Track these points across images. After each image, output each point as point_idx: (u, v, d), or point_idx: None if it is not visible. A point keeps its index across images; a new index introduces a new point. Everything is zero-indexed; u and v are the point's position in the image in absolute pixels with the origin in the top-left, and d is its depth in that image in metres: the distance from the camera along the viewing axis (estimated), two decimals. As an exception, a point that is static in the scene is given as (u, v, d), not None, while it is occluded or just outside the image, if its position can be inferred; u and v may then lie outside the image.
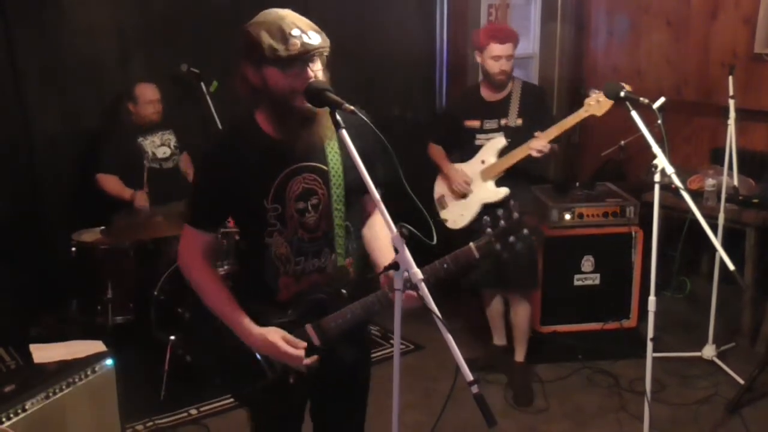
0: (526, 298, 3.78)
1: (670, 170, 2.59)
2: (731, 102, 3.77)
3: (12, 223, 3.92)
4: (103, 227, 3.80)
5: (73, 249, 3.73)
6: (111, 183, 4.06)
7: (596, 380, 3.82)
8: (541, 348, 4.00)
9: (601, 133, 3.55)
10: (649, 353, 2.76)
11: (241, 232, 2.10)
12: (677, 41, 5.05)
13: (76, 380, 2.59)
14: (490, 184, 3.64)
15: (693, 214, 2.57)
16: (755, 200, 4.05)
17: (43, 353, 2.69)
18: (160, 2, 4.39)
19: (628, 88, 2.86)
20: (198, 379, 3.52)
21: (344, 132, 1.72)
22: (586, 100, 3.31)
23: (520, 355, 3.82)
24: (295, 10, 1.88)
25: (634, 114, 2.70)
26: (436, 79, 5.61)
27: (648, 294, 2.77)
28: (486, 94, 3.72)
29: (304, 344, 1.96)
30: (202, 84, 4.32)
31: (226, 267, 3.62)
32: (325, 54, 1.86)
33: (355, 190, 1.99)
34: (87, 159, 4.16)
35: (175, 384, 3.55)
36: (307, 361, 1.95)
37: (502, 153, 3.61)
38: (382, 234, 2.07)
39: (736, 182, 4.02)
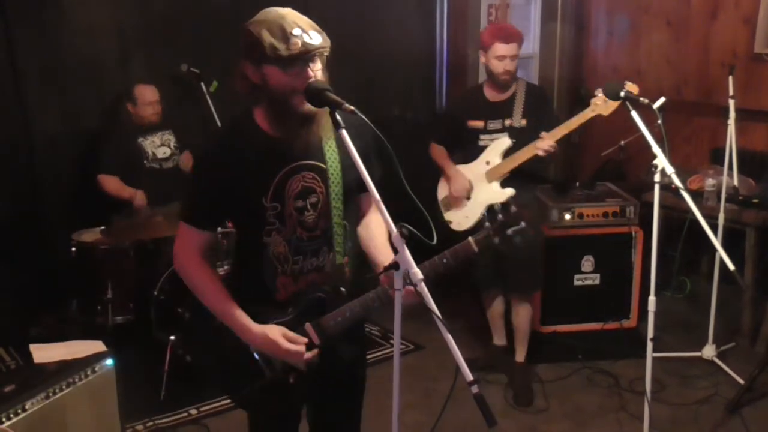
0: (528, 299, 3.77)
1: (670, 170, 2.59)
2: (731, 102, 3.77)
3: (12, 223, 3.92)
4: (103, 227, 3.80)
5: (73, 249, 3.73)
6: (111, 183, 4.06)
7: (596, 380, 3.82)
8: (541, 348, 4.00)
9: (601, 133, 3.56)
10: (649, 353, 2.76)
11: (239, 231, 2.09)
12: (677, 41, 5.05)
13: (76, 380, 2.58)
14: (495, 185, 3.60)
15: (693, 214, 2.57)
16: (755, 200, 4.05)
17: (43, 353, 2.69)
18: (160, 2, 4.39)
19: (633, 88, 2.86)
20: (198, 379, 3.52)
21: (344, 132, 1.72)
22: (593, 100, 3.27)
23: (520, 356, 3.82)
24: (295, 9, 1.88)
25: (634, 114, 2.70)
26: (436, 79, 5.61)
27: (648, 294, 2.78)
28: (490, 94, 3.69)
29: (305, 340, 1.96)
30: (202, 84, 4.32)
31: (226, 267, 3.63)
32: (326, 54, 1.86)
33: (352, 189, 2.01)
34: (87, 159, 4.17)
35: (175, 384, 3.55)
36: (308, 355, 1.95)
37: (507, 154, 3.57)
38: (378, 233, 2.08)
39: (736, 182, 4.02)
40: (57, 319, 3.96)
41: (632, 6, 5.34)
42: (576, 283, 4.21)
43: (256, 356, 1.99)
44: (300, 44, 1.78)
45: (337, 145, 1.97)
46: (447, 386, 1.73)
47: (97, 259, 3.71)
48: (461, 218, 3.69)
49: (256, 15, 1.85)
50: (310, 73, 1.81)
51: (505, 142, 3.59)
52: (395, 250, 1.66)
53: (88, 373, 2.64)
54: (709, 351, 3.90)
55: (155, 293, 3.62)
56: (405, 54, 5.19)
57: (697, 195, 4.11)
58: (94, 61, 4.20)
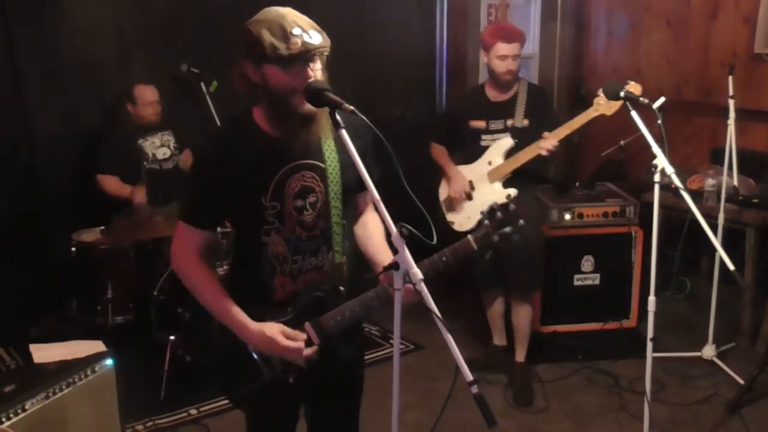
0: (528, 300, 3.77)
1: (670, 170, 2.59)
2: (731, 102, 3.77)
3: (12, 223, 3.92)
4: (103, 227, 3.80)
5: (73, 249, 3.73)
6: (111, 183, 4.07)
7: (596, 380, 3.82)
8: (541, 348, 4.00)
9: (601, 133, 3.55)
10: (649, 353, 2.76)
11: (238, 231, 2.08)
12: (677, 41, 5.05)
13: (76, 380, 2.58)
14: (498, 186, 3.59)
15: (693, 214, 2.57)
16: (755, 200, 4.05)
17: (43, 353, 2.69)
18: (160, 2, 4.39)
19: (636, 87, 2.86)
20: (198, 379, 3.52)
21: (344, 132, 1.72)
22: (596, 99, 3.26)
23: (520, 356, 3.82)
24: (295, 9, 1.88)
25: (634, 114, 2.70)
26: (436, 79, 5.61)
27: (648, 294, 2.78)
28: (492, 94, 3.67)
29: (304, 336, 1.96)
30: (202, 84, 4.32)
31: (225, 267, 3.63)
32: (326, 54, 1.86)
33: (351, 189, 2.02)
34: (87, 159, 4.17)
35: (175, 384, 3.55)
36: (307, 351, 1.94)
37: (509, 154, 3.56)
38: (375, 232, 2.10)
39: (736, 182, 4.02)
40: (57, 319, 3.96)
41: (632, 6, 5.34)
42: (576, 283, 4.21)
43: (255, 356, 1.99)
44: (300, 44, 1.78)
45: (336, 144, 1.97)
46: (447, 386, 1.73)
47: (97, 259, 3.71)
48: (463, 219, 3.68)
49: (257, 14, 1.85)
50: (310, 72, 1.81)
51: (507, 142, 3.58)
52: (395, 250, 1.66)
53: (88, 373, 2.64)
54: (709, 351, 3.90)
55: (155, 293, 3.62)
56: (405, 54, 5.19)
57: (697, 195, 4.11)
58: (94, 61, 4.20)
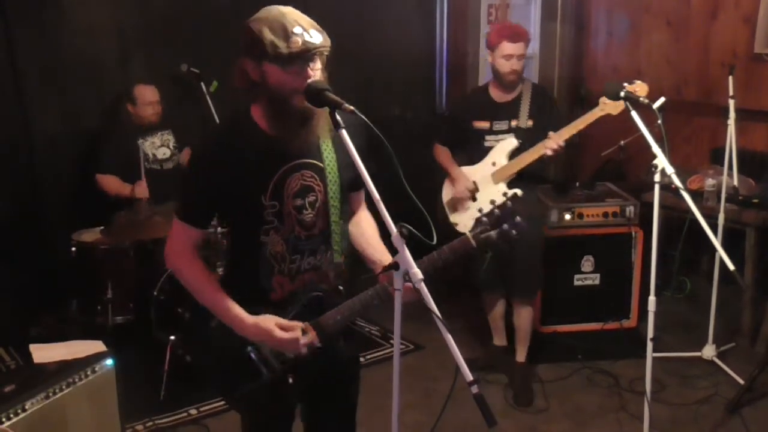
0: (530, 302, 3.77)
1: (670, 170, 2.59)
2: (731, 102, 3.77)
3: (12, 223, 3.92)
4: (103, 227, 3.80)
5: (73, 249, 3.73)
6: (111, 183, 4.07)
7: (596, 380, 3.82)
8: (541, 348, 4.00)
9: (601, 133, 3.55)
10: (649, 353, 2.76)
11: (235, 230, 2.07)
12: (677, 41, 5.05)
13: (76, 380, 2.59)
14: (502, 186, 3.56)
15: (693, 214, 2.57)
16: (755, 200, 4.05)
17: (43, 353, 2.69)
18: (160, 2, 4.39)
19: (642, 88, 2.85)
20: (198, 379, 3.52)
21: (344, 132, 1.72)
22: (601, 99, 3.24)
23: (521, 356, 3.82)
24: (295, 8, 1.88)
25: (634, 114, 2.70)
26: (436, 79, 5.61)
27: (648, 294, 2.78)
28: (496, 94, 3.66)
29: (300, 324, 1.95)
30: (202, 84, 4.32)
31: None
32: (326, 54, 1.86)
33: (349, 188, 2.03)
34: (87, 159, 4.17)
35: (175, 384, 3.54)
36: (305, 340, 1.94)
37: (513, 155, 3.55)
38: (369, 229, 2.11)
39: (736, 182, 4.02)
40: (57, 319, 3.96)
41: (632, 6, 5.34)
42: (576, 283, 4.21)
43: (252, 356, 1.98)
44: (301, 43, 1.78)
45: (334, 144, 1.98)
46: (447, 386, 1.73)
47: (97, 259, 3.71)
48: (467, 220, 3.66)
49: (258, 13, 1.85)
50: (310, 72, 1.81)
51: (511, 142, 3.56)
52: (395, 250, 1.67)
53: (88, 373, 2.64)
54: (709, 351, 3.90)
55: (155, 293, 3.62)
56: (405, 54, 5.19)
57: (697, 195, 4.11)
58: (94, 61, 4.20)
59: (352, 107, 1.71)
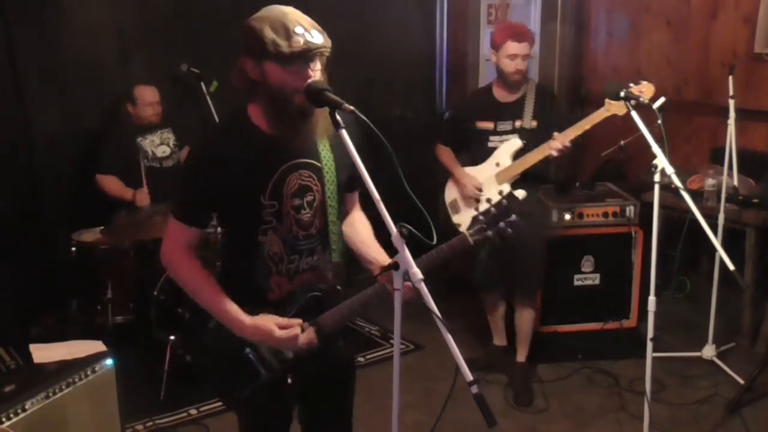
0: (531, 303, 3.77)
1: (670, 170, 2.59)
2: (731, 102, 3.77)
3: (12, 223, 3.92)
4: (103, 227, 3.80)
5: (73, 249, 3.73)
6: (111, 183, 4.06)
7: (596, 380, 3.82)
8: (541, 348, 4.00)
9: (601, 133, 3.55)
10: (649, 353, 2.76)
11: (232, 230, 2.05)
12: (677, 41, 5.05)
13: (76, 380, 2.59)
14: (506, 187, 3.56)
15: (693, 214, 2.57)
16: (755, 200, 4.04)
17: (43, 353, 2.69)
18: (160, 2, 4.40)
19: (648, 88, 2.85)
20: (198, 379, 3.52)
21: (344, 132, 1.72)
22: (606, 99, 3.22)
23: (521, 356, 3.82)
24: (296, 8, 1.88)
25: (634, 114, 2.70)
26: (436, 79, 5.61)
27: (648, 294, 2.78)
28: (499, 94, 3.64)
29: (299, 321, 1.95)
30: (202, 84, 4.32)
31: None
32: (326, 54, 1.85)
33: (346, 188, 2.04)
34: (87, 159, 4.17)
35: (175, 384, 3.55)
36: (303, 338, 1.94)
37: (517, 155, 3.53)
38: (363, 231, 2.12)
39: (736, 182, 4.02)
40: (57, 319, 3.96)
41: (632, 6, 5.34)
42: (576, 283, 4.21)
43: (251, 357, 1.98)
44: (302, 42, 1.78)
45: (331, 144, 1.98)
46: (447, 386, 1.73)
47: (97, 259, 3.71)
48: (469, 221, 3.65)
49: (259, 12, 1.85)
50: (310, 72, 1.81)
51: (515, 143, 3.55)
52: (395, 250, 1.67)
53: (88, 373, 2.64)
54: (709, 351, 3.90)
55: (155, 293, 3.62)
56: (405, 54, 5.19)
57: (697, 195, 4.11)
58: (94, 61, 4.20)
59: (352, 107, 1.71)
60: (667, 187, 2.99)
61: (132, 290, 3.73)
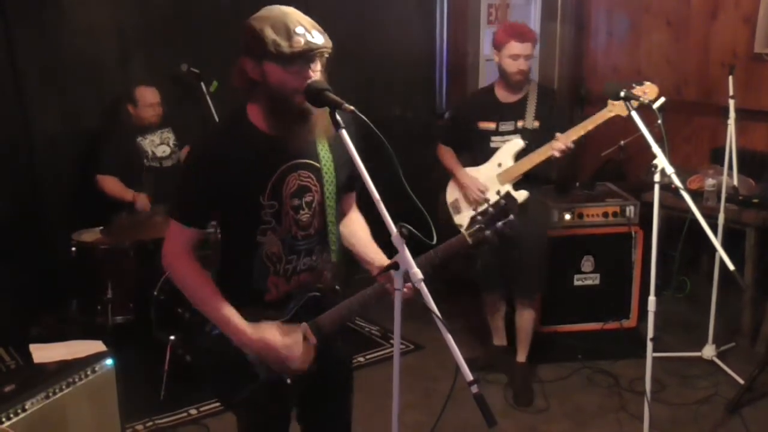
0: (532, 303, 3.77)
1: (670, 170, 2.59)
2: (731, 102, 3.77)
3: (12, 223, 3.92)
4: (103, 227, 3.80)
5: (73, 249, 3.73)
6: (111, 184, 4.06)
7: (596, 380, 3.82)
8: (541, 348, 4.00)
9: (601, 133, 3.55)
10: (649, 353, 2.76)
11: (230, 231, 2.04)
12: (677, 41, 5.05)
13: (76, 380, 2.59)
14: (508, 188, 3.55)
15: (693, 214, 2.57)
16: (755, 200, 4.04)
17: (43, 353, 2.69)
18: (160, 2, 4.40)
19: (652, 89, 2.84)
20: (198, 379, 3.51)
21: (344, 132, 1.72)
22: (609, 100, 3.21)
23: (522, 356, 3.82)
24: (296, 8, 1.88)
25: (634, 114, 2.70)
26: (436, 79, 5.61)
27: (648, 294, 2.78)
28: (502, 95, 3.63)
29: (301, 332, 1.95)
30: (202, 84, 4.32)
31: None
32: (326, 55, 1.85)
33: (345, 188, 2.04)
34: (87, 159, 4.17)
35: (175, 384, 3.54)
36: (305, 363, 1.95)
37: (519, 156, 3.53)
38: (360, 231, 2.13)
39: (736, 182, 4.02)
40: (57, 319, 3.96)
41: (632, 6, 5.34)
42: (576, 283, 4.21)
43: (250, 358, 1.97)
44: (303, 42, 1.78)
45: (330, 144, 1.98)
46: (447, 386, 1.73)
47: (97, 259, 3.71)
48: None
49: (259, 12, 1.85)
50: (311, 72, 1.81)
51: (517, 143, 3.54)
52: (395, 250, 1.67)
53: (88, 373, 2.64)
54: (709, 351, 3.90)
55: (155, 293, 3.62)
56: (405, 54, 5.19)
57: (697, 195, 4.11)
58: (94, 61, 4.20)
59: (352, 107, 1.71)
60: (667, 187, 2.99)
61: (132, 290, 3.73)
